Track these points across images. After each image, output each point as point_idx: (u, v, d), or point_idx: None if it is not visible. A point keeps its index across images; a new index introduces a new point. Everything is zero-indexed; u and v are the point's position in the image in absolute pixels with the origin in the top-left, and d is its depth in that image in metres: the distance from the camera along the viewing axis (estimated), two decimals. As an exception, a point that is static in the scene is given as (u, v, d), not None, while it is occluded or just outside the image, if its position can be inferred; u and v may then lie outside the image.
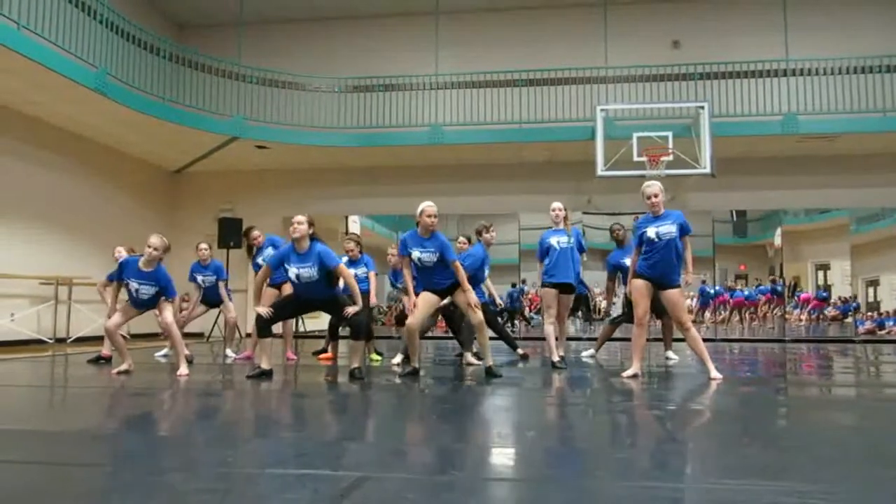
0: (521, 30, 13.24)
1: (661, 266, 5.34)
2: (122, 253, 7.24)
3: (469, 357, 6.64)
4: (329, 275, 5.35)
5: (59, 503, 2.19)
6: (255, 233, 7.46)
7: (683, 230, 5.39)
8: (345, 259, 7.12)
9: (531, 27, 13.22)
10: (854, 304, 13.54)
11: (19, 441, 3.11)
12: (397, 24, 13.59)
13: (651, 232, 5.33)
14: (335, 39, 13.73)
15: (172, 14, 13.66)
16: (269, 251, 7.07)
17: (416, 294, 5.66)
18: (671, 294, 5.39)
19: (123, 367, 5.77)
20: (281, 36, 13.74)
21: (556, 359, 6.34)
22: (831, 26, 12.39)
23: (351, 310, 5.28)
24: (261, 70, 12.17)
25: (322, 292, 5.41)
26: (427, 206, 5.58)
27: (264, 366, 5.43)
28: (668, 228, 5.32)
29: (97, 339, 10.49)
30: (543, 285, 6.66)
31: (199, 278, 7.38)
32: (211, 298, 7.52)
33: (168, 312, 5.82)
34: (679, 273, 5.43)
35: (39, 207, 10.21)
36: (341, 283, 5.55)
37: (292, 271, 5.30)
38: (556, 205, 6.75)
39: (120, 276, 5.75)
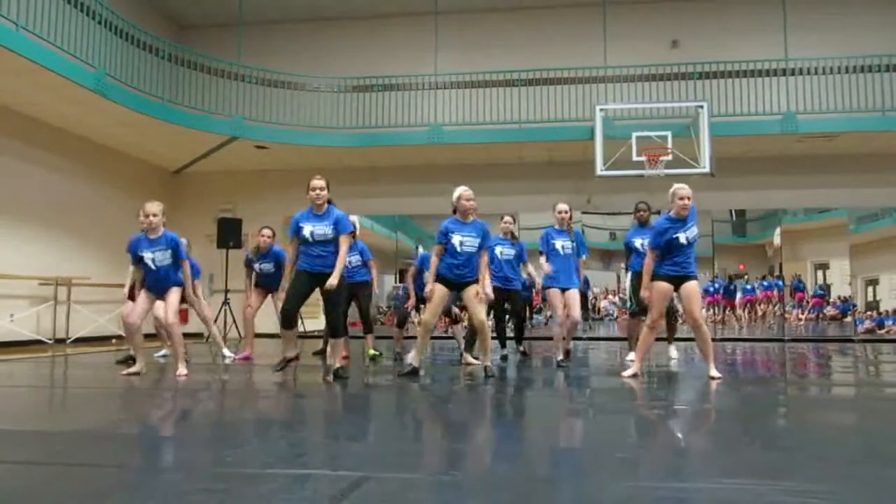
0: (520, 30, 13.23)
1: (687, 262, 5.37)
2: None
3: (469, 357, 6.62)
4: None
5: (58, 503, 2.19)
6: (267, 232, 7.24)
7: None
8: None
9: (530, 27, 13.21)
10: (850, 304, 13.56)
11: (19, 442, 3.11)
12: (397, 24, 13.58)
13: (682, 238, 5.33)
14: (335, 39, 13.72)
15: (172, 14, 13.65)
16: (268, 266, 7.08)
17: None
18: (691, 286, 5.36)
19: (135, 368, 5.71)
20: (280, 36, 13.73)
21: (560, 357, 6.43)
22: (830, 26, 12.38)
23: (333, 281, 5.13)
24: (260, 70, 12.15)
25: (332, 261, 5.21)
26: (463, 190, 5.57)
27: (289, 354, 5.44)
28: (695, 231, 5.40)
29: (96, 340, 10.49)
30: (545, 287, 6.66)
31: None
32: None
33: (173, 308, 5.71)
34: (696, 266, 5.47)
35: (39, 208, 10.19)
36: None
37: (307, 229, 5.22)
38: (563, 206, 6.67)
39: (136, 255, 5.64)
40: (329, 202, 5.38)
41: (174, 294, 5.76)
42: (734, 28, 12.68)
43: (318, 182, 5.32)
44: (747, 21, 12.70)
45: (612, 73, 12.00)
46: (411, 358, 6.47)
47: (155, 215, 5.59)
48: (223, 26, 13.42)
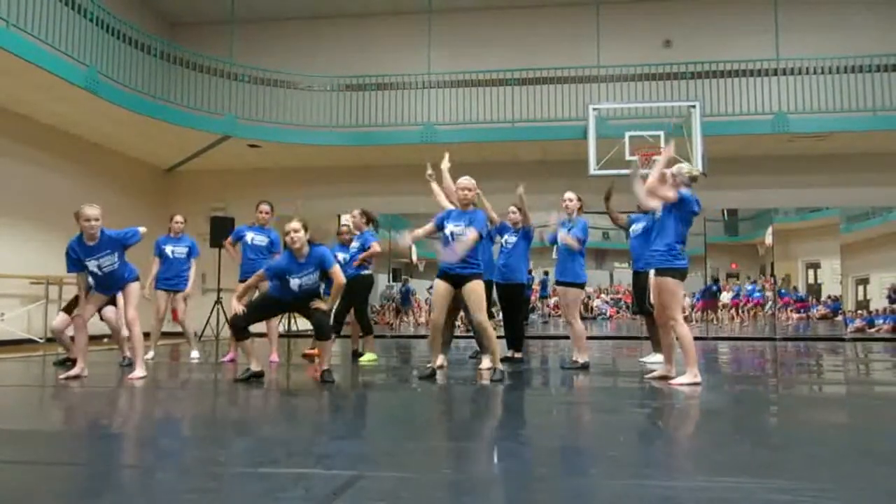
0: (513, 29, 13.23)
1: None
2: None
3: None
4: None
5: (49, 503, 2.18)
6: (264, 207, 7.00)
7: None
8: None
9: (524, 26, 13.22)
10: (834, 305, 13.72)
11: (9, 441, 3.09)
12: (390, 22, 13.57)
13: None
14: (327, 38, 13.69)
15: (163, 12, 13.58)
16: (261, 238, 6.93)
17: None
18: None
19: (74, 371, 5.29)
20: (273, 34, 13.68)
21: (582, 360, 6.10)
22: (822, 26, 12.44)
23: (320, 304, 5.05)
24: (252, 68, 12.11)
25: (312, 295, 5.16)
26: (462, 179, 5.33)
27: (254, 367, 5.19)
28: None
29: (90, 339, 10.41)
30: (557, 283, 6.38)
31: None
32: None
33: (133, 303, 5.36)
34: (662, 255, 5.00)
35: (30, 206, 10.13)
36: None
37: (295, 282, 5.00)
38: (567, 195, 6.36)
39: (77, 264, 5.14)
40: (310, 242, 5.07)
41: (132, 288, 5.38)
42: (726, 28, 12.72)
43: (294, 224, 5.00)
44: (739, 21, 12.74)
45: (605, 72, 12.02)
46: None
47: (97, 219, 5.02)
48: (215, 24, 13.37)
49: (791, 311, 14.32)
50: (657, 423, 3.63)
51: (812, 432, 3.42)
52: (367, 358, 6.88)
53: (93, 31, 9.49)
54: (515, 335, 7.00)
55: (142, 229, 5.42)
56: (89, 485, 2.38)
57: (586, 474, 2.54)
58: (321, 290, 5.29)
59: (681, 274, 4.96)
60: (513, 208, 6.82)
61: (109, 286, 5.35)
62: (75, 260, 5.14)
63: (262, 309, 5.39)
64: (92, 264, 5.15)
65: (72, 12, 9.17)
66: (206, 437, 3.34)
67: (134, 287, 5.43)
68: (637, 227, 6.59)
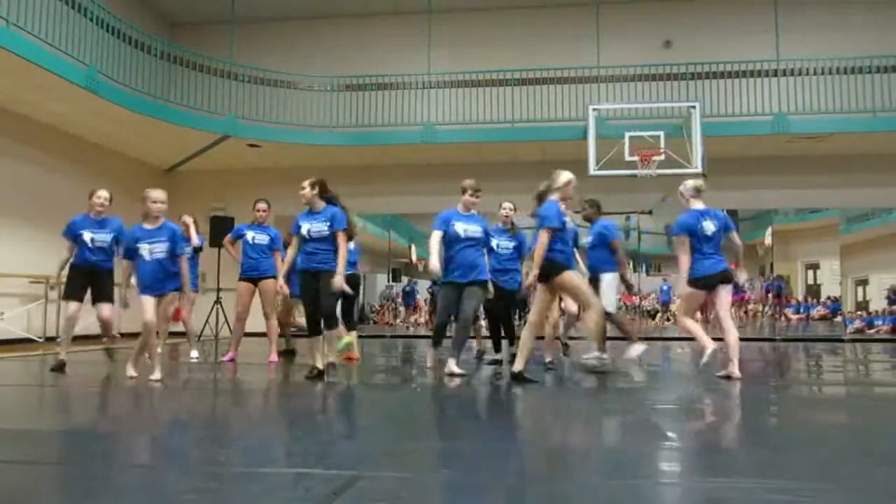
0: (513, 29, 13.23)
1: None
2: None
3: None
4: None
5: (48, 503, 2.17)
6: (261, 206, 7.08)
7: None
8: None
9: (523, 26, 13.22)
10: (834, 306, 13.73)
11: (8, 440, 3.09)
12: (390, 22, 13.57)
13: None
14: (327, 38, 13.69)
15: (163, 12, 13.58)
16: (262, 237, 6.95)
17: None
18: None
19: (157, 374, 5.12)
20: (273, 34, 13.68)
21: (548, 359, 6.26)
22: (822, 26, 12.44)
23: (337, 281, 5.08)
24: (253, 68, 12.11)
25: (326, 257, 5.21)
26: (573, 176, 5.24)
27: (329, 360, 5.36)
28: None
29: (87, 339, 10.42)
30: None
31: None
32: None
33: (166, 313, 5.38)
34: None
35: (29, 206, 10.12)
36: None
37: (304, 227, 5.31)
38: (505, 204, 6.62)
39: (130, 249, 5.15)
40: (330, 201, 5.45)
41: (169, 297, 5.31)
42: (726, 28, 12.72)
43: (303, 183, 5.49)
44: (739, 21, 12.74)
45: (605, 72, 12.02)
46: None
47: (163, 202, 5.22)
48: (215, 24, 13.36)
49: (790, 311, 14.34)
50: (657, 424, 3.63)
51: (812, 432, 3.42)
52: (345, 342, 6.70)
53: (93, 30, 9.49)
54: (510, 336, 6.68)
55: (187, 252, 5.74)
56: (89, 485, 2.38)
57: (587, 475, 2.54)
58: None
59: (694, 282, 5.61)
60: (507, 205, 6.63)
61: (155, 280, 5.15)
62: (126, 248, 5.26)
63: (307, 293, 5.34)
64: (144, 248, 5.11)
65: (72, 12, 9.17)
66: (206, 437, 3.33)
67: (170, 298, 5.36)
68: (586, 241, 6.81)
